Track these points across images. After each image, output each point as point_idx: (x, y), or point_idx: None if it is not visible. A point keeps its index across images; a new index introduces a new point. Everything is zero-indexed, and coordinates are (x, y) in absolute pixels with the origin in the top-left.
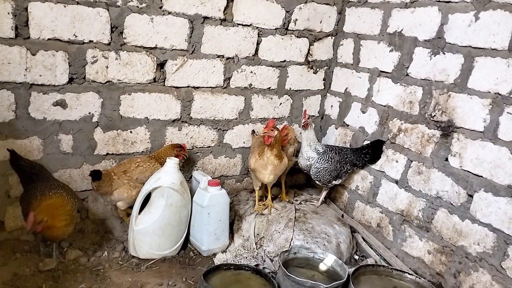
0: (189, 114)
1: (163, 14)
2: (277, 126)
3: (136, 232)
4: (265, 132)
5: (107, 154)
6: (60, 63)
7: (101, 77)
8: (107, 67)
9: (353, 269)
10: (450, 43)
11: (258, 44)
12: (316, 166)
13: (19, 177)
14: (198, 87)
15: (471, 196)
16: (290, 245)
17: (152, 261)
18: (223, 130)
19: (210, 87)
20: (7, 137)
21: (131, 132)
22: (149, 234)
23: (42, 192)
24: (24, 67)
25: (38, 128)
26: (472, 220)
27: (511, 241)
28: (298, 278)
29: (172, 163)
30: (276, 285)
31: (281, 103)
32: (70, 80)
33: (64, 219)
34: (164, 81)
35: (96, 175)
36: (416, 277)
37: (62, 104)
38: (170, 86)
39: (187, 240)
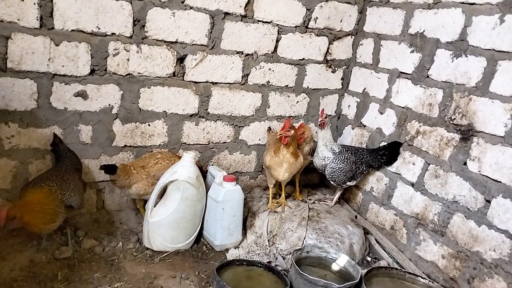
0: (207, 109)
1: (185, 9)
2: (294, 124)
3: (151, 224)
4: (281, 134)
5: (125, 146)
6: (82, 54)
7: (122, 70)
8: (128, 59)
9: (365, 270)
10: (473, 46)
11: (277, 41)
12: (331, 166)
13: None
14: (216, 83)
15: (488, 201)
16: (303, 243)
17: (165, 254)
18: (239, 127)
19: (228, 83)
20: (28, 125)
21: (149, 125)
22: (164, 227)
23: (30, 183)
24: (48, 57)
25: (58, 118)
26: (489, 226)
27: None
28: (311, 277)
29: (189, 157)
30: (288, 282)
31: (298, 102)
32: (92, 71)
33: (41, 217)
34: (183, 76)
35: (108, 169)
36: (429, 281)
37: (83, 95)
38: (189, 81)
39: (200, 234)
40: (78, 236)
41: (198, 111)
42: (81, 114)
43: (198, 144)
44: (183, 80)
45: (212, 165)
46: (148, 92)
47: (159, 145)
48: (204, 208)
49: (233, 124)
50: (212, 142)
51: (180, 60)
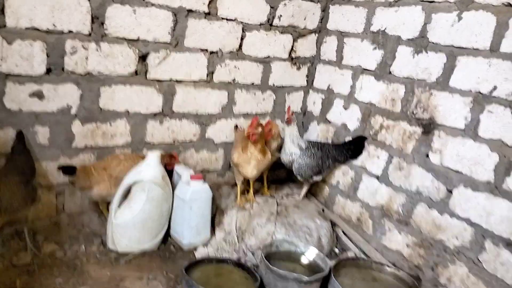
0: (171, 108)
1: (146, 6)
2: (261, 122)
3: (116, 225)
4: (249, 131)
5: (85, 147)
6: (37, 53)
7: (80, 69)
8: (87, 58)
9: (334, 262)
10: (433, 43)
11: (242, 39)
12: (298, 162)
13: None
14: (181, 81)
15: (450, 191)
16: (272, 238)
17: (131, 255)
18: (206, 125)
19: (193, 81)
20: None
21: (110, 125)
22: (129, 228)
23: None
24: (0, 56)
25: (13, 119)
26: (451, 215)
27: (488, 235)
28: (280, 271)
29: (154, 156)
30: (258, 277)
31: (264, 99)
32: (48, 70)
33: None
34: (146, 74)
35: (67, 170)
36: (395, 269)
37: (39, 95)
38: (152, 79)
39: (167, 234)
40: (37, 240)
41: (163, 110)
42: (38, 115)
43: (163, 143)
44: (146, 78)
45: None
46: (109, 91)
47: (122, 145)
48: (171, 208)
49: (199, 122)
50: (178, 141)
51: (143, 58)
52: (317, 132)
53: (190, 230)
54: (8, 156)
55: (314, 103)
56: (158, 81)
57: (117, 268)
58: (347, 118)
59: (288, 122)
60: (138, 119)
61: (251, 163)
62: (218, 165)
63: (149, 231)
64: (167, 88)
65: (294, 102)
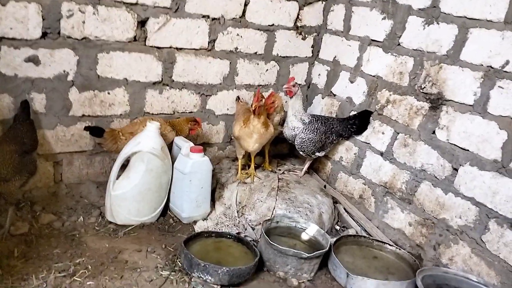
0: (171, 77)
1: None
2: (262, 94)
3: (114, 197)
4: (256, 105)
5: (83, 115)
6: (32, 15)
7: (77, 33)
8: (83, 22)
9: (334, 239)
10: (445, 13)
11: (245, 5)
12: (301, 136)
13: None
14: (181, 48)
15: (456, 169)
16: (272, 214)
17: (130, 227)
18: (206, 95)
19: (193, 48)
20: None
21: (108, 93)
22: (128, 200)
23: None
24: None
25: (8, 85)
26: (456, 194)
27: (492, 215)
28: (280, 247)
29: (153, 127)
30: (258, 253)
31: (267, 70)
32: (44, 34)
33: None
34: (145, 40)
35: (95, 132)
36: (396, 248)
37: (34, 60)
38: (152, 46)
39: (167, 207)
40: (35, 211)
41: (162, 79)
42: (33, 81)
43: (162, 113)
44: (145, 45)
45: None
46: (107, 57)
47: (120, 114)
48: (171, 180)
49: (199, 93)
50: (178, 112)
51: (142, 23)
52: (321, 106)
53: (190, 203)
54: (10, 124)
55: (319, 76)
56: (158, 48)
57: (115, 240)
58: (352, 92)
59: (288, 93)
60: (137, 87)
61: (253, 136)
62: (219, 138)
63: (148, 203)
64: (167, 56)
65: (298, 74)
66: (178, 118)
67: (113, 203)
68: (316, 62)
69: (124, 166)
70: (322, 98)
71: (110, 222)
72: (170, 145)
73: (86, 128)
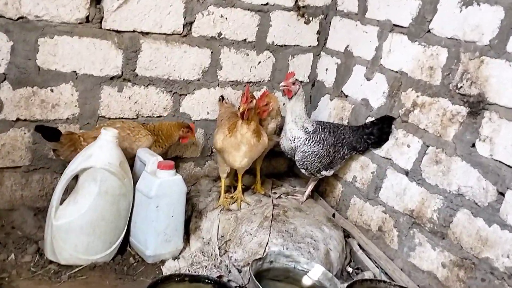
0: (134, 70)
1: None
2: (254, 93)
3: (57, 228)
4: (245, 108)
5: (18, 119)
6: None
7: (11, 11)
8: None
9: (346, 284)
10: None
11: None
12: (303, 150)
13: None
14: (148, 33)
15: (502, 194)
16: (265, 251)
17: (77, 269)
18: (180, 95)
19: (164, 33)
20: None
21: (52, 90)
22: (75, 232)
23: None
24: None
25: None
26: (502, 226)
27: None
28: None
29: (110, 135)
30: None
31: (260, 62)
32: None
33: None
34: (100, 22)
35: (48, 134)
36: None
37: None
38: (109, 29)
39: (126, 241)
40: None
41: (122, 72)
42: None
43: (122, 118)
44: (101, 28)
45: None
46: (50, 43)
47: (67, 118)
48: (132, 207)
49: (171, 91)
50: (142, 116)
51: (96, 0)
52: (329, 110)
53: (156, 237)
54: None
55: (327, 71)
56: (117, 32)
57: (57, 286)
58: (369, 92)
59: (286, 93)
60: (89, 83)
61: (240, 149)
62: (196, 150)
63: (102, 237)
64: (129, 43)
65: (300, 68)
66: (167, 122)
67: (56, 236)
68: (322, 53)
69: (71, 187)
70: (331, 100)
71: (51, 262)
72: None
73: (37, 129)
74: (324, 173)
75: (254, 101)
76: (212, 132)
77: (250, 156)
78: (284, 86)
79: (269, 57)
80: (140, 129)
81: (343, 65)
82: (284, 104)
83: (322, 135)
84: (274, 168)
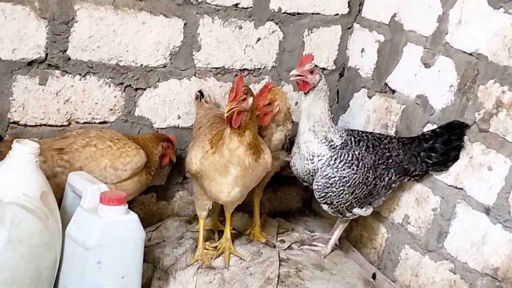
0: (65, 52)
1: None
2: (249, 87)
3: None
4: (233, 108)
5: None
6: None
7: None
8: None
9: None
10: None
11: None
12: (326, 174)
13: None
14: None
15: None
16: None
17: None
18: (136, 89)
19: None
20: None
21: None
22: None
23: None
24: None
25: None
26: None
27: None
28: None
29: (26, 152)
30: None
31: (259, 39)
32: None
33: None
34: None
35: None
36: None
37: None
38: None
39: None
40: None
41: (47, 55)
42: None
43: (46, 125)
44: None
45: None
46: None
47: None
48: (59, 261)
49: (122, 84)
50: (77, 122)
51: None
52: (366, 112)
53: None
54: None
55: (363, 52)
56: None
57: None
58: (429, 85)
59: (301, 86)
60: None
61: (229, 173)
62: (159, 175)
63: None
64: (58, 9)
65: (321, 48)
66: (145, 134)
67: None
68: (356, 26)
69: None
70: (369, 97)
71: None
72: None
73: None
74: (358, 211)
75: (250, 99)
76: (186, 147)
77: (243, 185)
78: (298, 76)
79: (273, 32)
80: (126, 141)
81: (388, 43)
82: (297, 104)
83: (356, 152)
84: (282, 202)
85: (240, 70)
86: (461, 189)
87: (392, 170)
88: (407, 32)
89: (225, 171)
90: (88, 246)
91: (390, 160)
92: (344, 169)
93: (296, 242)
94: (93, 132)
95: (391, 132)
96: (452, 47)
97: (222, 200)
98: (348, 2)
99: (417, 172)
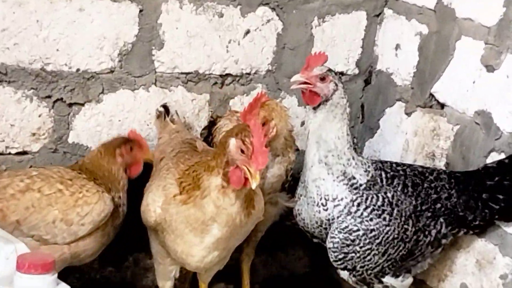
0: None
1: None
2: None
3: None
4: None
5: None
6: None
7: None
8: None
9: None
10: None
11: None
12: (345, 227)
13: None
14: None
15: None
16: None
17: None
18: (70, 105)
19: None
20: None
21: None
22: None
23: None
24: None
25: None
26: None
27: None
28: None
29: None
30: None
31: (248, 31)
32: None
33: None
34: None
35: None
36: None
37: None
38: None
39: None
40: None
41: None
42: None
43: None
44: None
45: None
46: None
47: None
48: None
49: (49, 97)
50: None
51: None
52: (403, 135)
53: None
54: None
55: (398, 50)
56: None
57: None
58: (493, 97)
59: (308, 99)
60: None
61: (208, 232)
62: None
63: None
64: None
65: (337, 44)
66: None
67: None
68: (388, 12)
69: None
70: (407, 115)
71: None
72: None
73: None
74: (392, 280)
75: (234, 118)
76: (142, 187)
77: (225, 247)
78: (303, 83)
79: (268, 21)
80: (82, 181)
81: (433, 37)
82: (303, 124)
83: (389, 194)
84: (283, 266)
85: (221, 76)
86: None
87: (441, 220)
88: (461, 21)
89: (202, 229)
90: None
91: (439, 205)
92: (371, 219)
93: None
94: (35, 170)
95: (440, 164)
96: None
97: (192, 266)
98: None
99: (477, 222)
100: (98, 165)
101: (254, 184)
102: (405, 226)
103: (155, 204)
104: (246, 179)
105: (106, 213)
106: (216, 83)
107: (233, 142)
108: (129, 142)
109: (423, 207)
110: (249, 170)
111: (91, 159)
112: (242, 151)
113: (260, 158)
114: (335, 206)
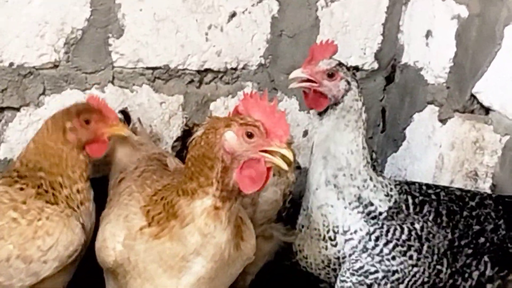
0: None
1: None
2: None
3: None
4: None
5: None
6: None
7: None
8: None
9: None
10: None
11: None
12: (359, 268)
13: None
14: None
15: None
16: None
17: None
18: (2, 109)
19: None
20: None
21: None
22: None
23: None
24: None
25: None
26: None
27: None
28: None
29: None
30: None
31: (234, 14)
32: None
33: None
34: None
35: None
36: None
37: None
38: None
39: None
40: None
41: None
42: None
43: None
44: None
45: None
46: None
47: None
48: None
49: None
50: None
51: None
52: (437, 148)
53: None
54: None
55: (429, 38)
56: None
57: None
58: None
59: (311, 102)
60: None
61: (187, 269)
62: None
63: None
64: None
65: (349, 31)
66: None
67: None
68: None
69: None
70: (442, 122)
71: None
72: None
73: None
74: None
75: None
76: (98, 214)
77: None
78: (306, 81)
79: (260, 0)
80: (40, 202)
81: (475, 22)
82: (306, 134)
83: (417, 225)
84: None
85: (198, 72)
86: None
87: (485, 258)
88: (510, 1)
89: (180, 267)
90: None
91: (482, 240)
92: (393, 258)
93: None
94: None
95: (485, 186)
96: None
97: None
98: None
99: None
100: (44, 149)
101: (285, 165)
102: (438, 267)
103: (115, 239)
104: (269, 169)
105: (77, 244)
106: (192, 81)
107: (230, 135)
108: (84, 111)
109: (462, 242)
110: (270, 153)
111: (35, 142)
112: (249, 136)
113: (278, 127)
114: (346, 240)
